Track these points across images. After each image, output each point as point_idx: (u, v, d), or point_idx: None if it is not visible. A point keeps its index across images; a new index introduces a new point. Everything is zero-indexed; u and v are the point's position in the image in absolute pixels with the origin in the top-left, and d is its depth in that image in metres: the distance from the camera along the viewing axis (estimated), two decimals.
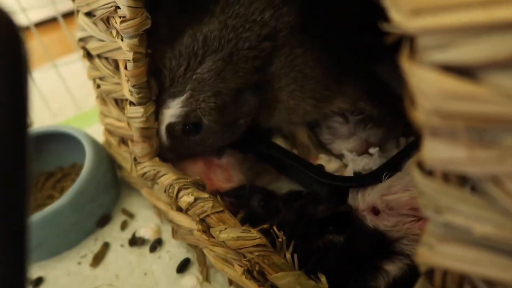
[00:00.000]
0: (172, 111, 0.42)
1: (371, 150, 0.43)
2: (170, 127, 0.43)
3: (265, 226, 0.36)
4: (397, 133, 0.45)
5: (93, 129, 0.55)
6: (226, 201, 0.41)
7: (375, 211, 0.36)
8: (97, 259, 0.45)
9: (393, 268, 0.32)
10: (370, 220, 0.36)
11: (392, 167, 0.38)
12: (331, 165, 0.43)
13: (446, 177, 0.18)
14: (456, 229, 0.18)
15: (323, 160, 0.43)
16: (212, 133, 0.43)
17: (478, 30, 0.15)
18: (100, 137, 0.53)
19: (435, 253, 0.19)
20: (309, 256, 0.33)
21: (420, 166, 0.18)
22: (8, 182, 0.15)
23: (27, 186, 0.15)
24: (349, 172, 0.42)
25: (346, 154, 0.44)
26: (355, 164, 0.42)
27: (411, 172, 0.36)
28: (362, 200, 0.36)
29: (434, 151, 0.17)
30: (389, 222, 0.35)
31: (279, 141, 0.48)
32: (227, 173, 0.46)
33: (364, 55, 0.45)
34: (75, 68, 0.76)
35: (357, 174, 0.41)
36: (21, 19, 0.67)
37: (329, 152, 0.47)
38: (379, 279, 0.32)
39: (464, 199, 0.17)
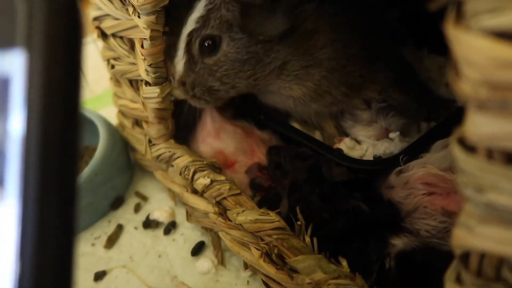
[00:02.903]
0: (197, 13, 0.37)
1: (392, 135, 0.42)
2: (190, 36, 0.38)
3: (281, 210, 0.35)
4: (419, 119, 0.44)
5: (106, 112, 0.55)
6: (265, 175, 0.40)
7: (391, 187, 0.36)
8: (111, 241, 0.45)
9: (398, 243, 0.32)
10: (385, 194, 0.36)
11: (413, 151, 0.37)
12: (355, 152, 0.42)
13: (490, 154, 0.16)
14: (499, 209, 0.17)
15: (346, 144, 0.42)
16: (229, 60, 0.38)
17: None
18: (113, 120, 0.53)
19: (474, 235, 0.18)
20: (337, 218, 0.33)
21: (462, 142, 0.17)
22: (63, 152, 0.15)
23: (77, 157, 0.15)
24: (368, 157, 0.41)
25: (364, 140, 0.43)
26: (376, 149, 0.41)
27: (435, 153, 0.35)
28: (385, 180, 0.36)
29: (479, 125, 0.16)
30: (401, 194, 0.35)
31: (295, 125, 0.47)
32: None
33: (391, 37, 0.43)
34: (88, 51, 0.76)
35: (377, 158, 0.40)
36: None
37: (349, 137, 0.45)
38: (389, 248, 0.32)
39: (510, 177, 0.16)
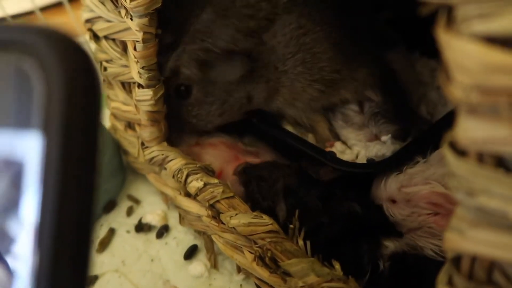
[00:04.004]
0: (170, 63, 0.41)
1: (383, 138, 0.42)
2: (168, 82, 0.42)
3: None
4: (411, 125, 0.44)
5: None
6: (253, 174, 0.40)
7: (393, 200, 0.35)
8: (103, 245, 0.45)
9: (391, 244, 0.32)
10: (388, 208, 0.35)
11: (406, 154, 0.38)
12: (345, 156, 0.42)
13: (481, 158, 0.17)
14: (490, 213, 0.17)
15: (337, 148, 0.42)
16: (198, 103, 0.42)
17: None
18: (105, 122, 0.52)
19: (465, 238, 0.18)
20: (335, 222, 0.33)
21: (453, 146, 0.17)
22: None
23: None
24: (361, 159, 0.41)
25: (355, 144, 0.43)
26: (368, 151, 0.41)
27: (435, 164, 0.35)
28: (384, 190, 0.36)
29: (470, 130, 0.16)
30: (404, 211, 0.34)
31: (289, 128, 0.47)
32: (255, 155, 0.45)
33: (378, 38, 0.44)
34: None
35: (370, 161, 0.40)
36: (27, 4, 0.65)
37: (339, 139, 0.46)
38: (383, 249, 0.32)
39: (500, 181, 0.16)
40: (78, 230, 0.14)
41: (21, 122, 0.14)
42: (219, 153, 0.46)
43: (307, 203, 0.35)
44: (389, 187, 0.35)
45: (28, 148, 0.14)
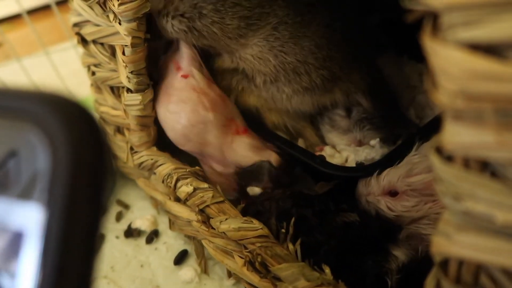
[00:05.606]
0: None
1: (372, 142, 0.43)
2: None
3: None
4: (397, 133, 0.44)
5: None
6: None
7: (392, 194, 0.35)
8: None
9: (400, 254, 0.32)
10: (386, 202, 0.35)
11: (395, 157, 0.38)
12: (335, 160, 0.42)
13: (467, 163, 0.17)
14: (476, 217, 0.17)
15: (327, 152, 0.42)
16: None
17: (507, 5, 0.14)
18: None
19: (452, 243, 0.18)
20: (331, 238, 0.33)
21: (439, 151, 0.17)
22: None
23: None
24: (350, 163, 0.41)
25: (344, 148, 0.43)
26: (357, 155, 0.41)
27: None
28: (377, 184, 0.35)
29: (456, 135, 0.16)
30: (409, 203, 0.34)
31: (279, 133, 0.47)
32: None
33: (371, 44, 0.44)
34: (68, 56, 0.74)
35: (359, 165, 0.40)
36: (14, 6, 0.65)
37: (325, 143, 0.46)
38: (391, 262, 0.31)
39: (486, 185, 0.16)
40: None
41: (23, 193, 0.14)
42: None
43: (302, 222, 0.35)
44: (386, 180, 0.35)
45: (29, 218, 0.14)
